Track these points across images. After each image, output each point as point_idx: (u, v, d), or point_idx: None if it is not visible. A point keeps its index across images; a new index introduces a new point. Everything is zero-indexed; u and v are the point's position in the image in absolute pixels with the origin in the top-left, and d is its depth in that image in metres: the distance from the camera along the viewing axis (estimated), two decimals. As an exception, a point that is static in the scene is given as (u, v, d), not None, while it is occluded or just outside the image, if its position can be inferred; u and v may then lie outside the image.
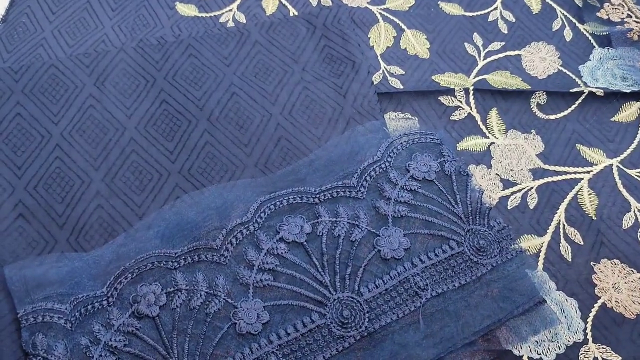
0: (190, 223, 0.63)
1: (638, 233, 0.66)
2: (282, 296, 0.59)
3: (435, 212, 0.65)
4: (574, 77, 0.78)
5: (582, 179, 0.70)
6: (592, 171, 0.71)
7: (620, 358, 0.59)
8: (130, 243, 0.63)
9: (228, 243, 0.62)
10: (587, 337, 0.61)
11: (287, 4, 0.83)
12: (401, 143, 0.69)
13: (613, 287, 0.63)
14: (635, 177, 0.70)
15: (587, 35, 0.83)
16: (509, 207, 0.68)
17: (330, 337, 0.57)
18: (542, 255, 0.65)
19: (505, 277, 0.62)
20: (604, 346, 0.60)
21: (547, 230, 0.67)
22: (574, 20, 0.84)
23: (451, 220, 0.64)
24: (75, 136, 0.71)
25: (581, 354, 0.60)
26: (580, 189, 0.69)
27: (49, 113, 0.72)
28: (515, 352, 0.59)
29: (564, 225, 0.67)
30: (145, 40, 0.78)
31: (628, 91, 0.75)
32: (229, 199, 0.65)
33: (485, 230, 0.64)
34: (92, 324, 0.57)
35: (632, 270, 0.64)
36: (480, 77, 0.78)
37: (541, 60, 0.80)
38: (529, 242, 0.66)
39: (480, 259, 0.62)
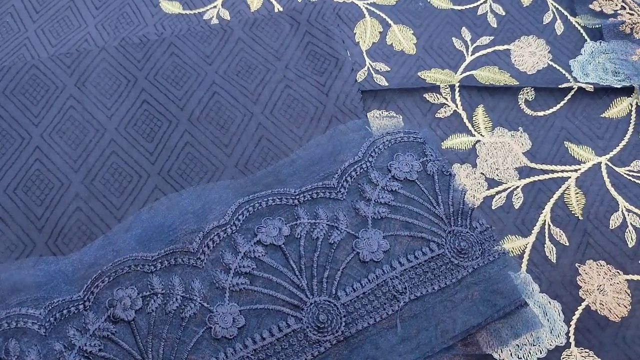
0: (167, 226, 0.63)
1: (625, 233, 0.65)
2: (258, 300, 0.58)
3: (416, 213, 0.63)
4: (564, 72, 0.76)
5: (570, 177, 0.68)
6: (580, 169, 0.69)
7: (602, 362, 0.58)
8: (108, 246, 0.62)
9: (205, 246, 0.61)
10: (570, 340, 0.59)
11: None
12: (383, 142, 0.68)
13: (598, 289, 0.62)
14: (625, 175, 0.68)
15: (579, 28, 0.81)
16: (493, 207, 0.67)
17: (306, 341, 0.57)
18: (526, 256, 0.64)
19: (487, 280, 0.60)
20: (586, 350, 0.59)
21: (532, 231, 0.65)
22: (565, 13, 0.82)
23: (432, 221, 0.63)
24: (55, 138, 0.70)
25: (563, 358, 0.59)
26: (567, 188, 0.68)
27: (30, 114, 0.72)
28: (496, 356, 0.58)
29: (549, 225, 0.66)
30: (127, 39, 0.77)
31: (619, 86, 0.73)
32: (207, 201, 0.64)
33: (467, 232, 0.63)
34: (67, 329, 0.56)
35: (618, 272, 0.63)
36: (468, 73, 0.76)
37: (531, 54, 0.78)
38: (513, 243, 0.64)
39: (461, 261, 0.61)
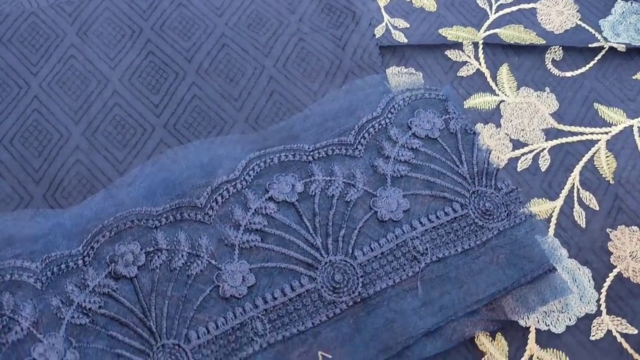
0: (173, 180, 0.59)
1: (659, 198, 0.61)
2: (269, 258, 0.55)
3: (438, 172, 0.60)
4: (593, 31, 0.72)
5: (600, 140, 0.65)
6: (610, 132, 0.65)
7: (636, 331, 0.55)
8: (110, 200, 0.58)
9: (213, 201, 0.57)
10: (601, 308, 0.56)
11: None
12: (403, 99, 0.64)
13: (630, 255, 0.58)
14: (657, 137, 0.65)
15: (609, -13, 0.76)
16: (518, 169, 0.63)
17: (321, 302, 0.53)
18: (553, 220, 0.60)
19: (513, 243, 0.57)
20: (618, 318, 0.55)
21: (560, 194, 0.61)
22: (595, -28, 0.78)
23: (455, 181, 0.59)
24: (55, 88, 0.66)
25: (594, 326, 0.55)
26: (597, 150, 0.64)
27: (28, 63, 0.68)
28: (522, 323, 0.54)
29: (578, 189, 0.62)
30: (132, -12, 0.73)
31: (652, 47, 0.69)
32: (216, 155, 0.60)
33: (492, 193, 0.59)
34: (65, 284, 0.53)
35: (651, 238, 0.59)
36: (492, 32, 0.72)
37: (558, 13, 0.74)
38: (540, 207, 0.61)
39: (486, 222, 0.57)
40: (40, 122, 0.64)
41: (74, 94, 0.66)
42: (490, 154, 0.61)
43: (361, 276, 0.54)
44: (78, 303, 0.52)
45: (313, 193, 0.58)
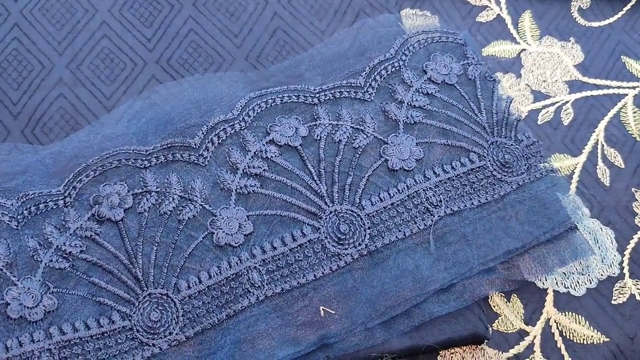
0: (165, 117, 0.54)
1: (689, 158, 0.57)
2: (269, 205, 0.50)
3: (455, 119, 0.55)
4: (623, -20, 0.67)
5: (627, 94, 0.60)
6: (638, 87, 0.60)
7: (661, 296, 0.51)
8: (95, 138, 0.53)
9: (208, 142, 0.52)
10: (624, 271, 0.52)
11: None
12: (419, 41, 0.59)
13: (656, 217, 0.54)
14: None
15: None
16: (539, 122, 0.59)
17: (324, 254, 0.49)
18: (575, 177, 0.56)
19: (533, 199, 0.52)
20: (642, 281, 0.52)
21: (583, 150, 0.57)
22: None
23: (473, 130, 0.55)
24: (37, 15, 0.60)
25: (616, 290, 0.51)
26: (623, 105, 0.59)
27: (8, -13, 0.61)
28: (539, 284, 0.51)
29: (602, 145, 0.57)
30: None
31: (686, -1, 0.64)
32: (213, 92, 0.55)
33: (511, 144, 0.54)
34: (43, 225, 0.48)
35: (680, 199, 0.55)
36: (514, -24, 0.67)
37: (586, -40, 0.69)
38: (562, 162, 0.56)
39: (505, 175, 0.53)
40: (20, 52, 0.59)
41: (58, 22, 0.60)
42: (511, 103, 0.56)
43: (368, 228, 0.50)
44: (57, 246, 0.47)
45: (318, 137, 0.53)
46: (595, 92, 0.60)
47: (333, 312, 0.47)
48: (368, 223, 0.50)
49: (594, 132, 0.58)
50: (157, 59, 0.59)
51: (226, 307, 0.46)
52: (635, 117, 0.59)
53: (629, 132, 0.58)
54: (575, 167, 0.56)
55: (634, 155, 0.57)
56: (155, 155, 0.51)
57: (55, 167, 0.51)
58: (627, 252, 0.53)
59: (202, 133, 0.52)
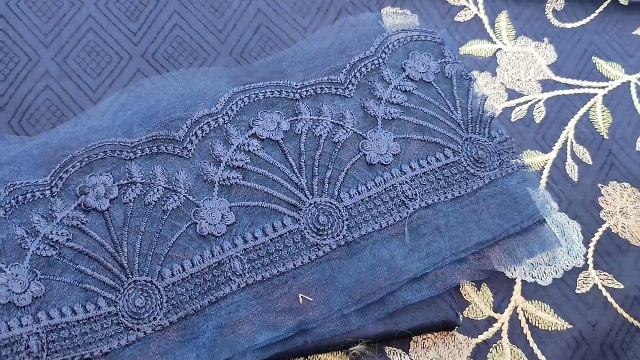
0: (150, 111, 0.55)
1: (652, 155, 0.60)
2: (251, 197, 0.52)
3: (431, 116, 0.57)
4: (596, -18, 0.70)
5: (596, 94, 0.63)
6: (607, 87, 0.63)
7: (622, 286, 0.54)
8: (81, 129, 0.55)
9: (192, 135, 0.54)
10: (588, 262, 0.55)
11: None
12: (398, 39, 0.61)
13: (620, 211, 0.57)
14: (654, 94, 0.63)
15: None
16: (512, 120, 0.61)
17: (303, 244, 0.51)
18: (545, 173, 0.58)
19: (504, 193, 0.55)
20: (605, 273, 0.54)
21: (553, 147, 0.60)
22: None
23: (448, 126, 0.57)
24: (24, 7, 0.61)
25: (580, 280, 0.54)
26: (593, 104, 0.62)
27: (-6, -21, 0.62)
28: (508, 274, 0.53)
29: (572, 142, 0.60)
30: None
31: (655, 3, 0.67)
32: (197, 87, 0.57)
33: (485, 141, 0.57)
34: (30, 214, 0.49)
35: (642, 195, 0.58)
36: (492, -23, 0.69)
37: (561, -37, 0.71)
38: (532, 158, 0.59)
39: (478, 170, 0.55)
40: (7, 44, 0.59)
41: (44, 15, 0.61)
42: (485, 100, 0.59)
43: (346, 219, 0.52)
44: (44, 234, 0.48)
45: (299, 132, 0.55)
46: (566, 92, 0.63)
47: (311, 299, 0.49)
48: (346, 215, 0.52)
49: (564, 129, 0.61)
50: (143, 53, 0.61)
51: (208, 294, 0.48)
52: (603, 116, 0.62)
53: (597, 130, 0.61)
54: (546, 163, 0.59)
55: (601, 152, 0.60)
56: (140, 148, 0.53)
57: (41, 157, 0.52)
58: (591, 245, 0.55)
59: (186, 126, 0.54)
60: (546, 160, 0.59)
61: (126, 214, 0.50)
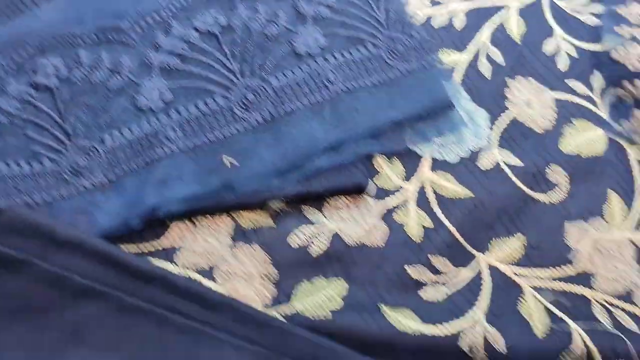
0: (99, 3, 0.60)
1: (558, 58, 0.66)
2: (187, 78, 0.58)
3: (356, 15, 0.63)
4: None
5: (511, 7, 0.69)
6: (524, 1, 0.69)
7: (522, 164, 0.60)
8: (33, 20, 0.60)
9: (137, 26, 0.59)
10: (492, 143, 0.61)
11: None
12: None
13: (525, 102, 0.63)
14: (563, 8, 0.69)
15: None
16: (434, 26, 0.67)
17: (232, 117, 0.56)
18: (460, 70, 0.64)
19: (419, 83, 0.61)
20: (507, 151, 0.60)
21: (470, 49, 0.66)
22: None
23: (372, 24, 0.63)
24: None
25: (483, 158, 0.60)
26: (509, 15, 0.68)
27: None
28: (419, 152, 0.59)
29: (487, 46, 0.66)
30: None
31: None
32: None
33: (405, 38, 0.63)
34: (-15, 90, 0.55)
35: (546, 89, 0.64)
36: None
37: None
38: (450, 57, 0.65)
39: (396, 63, 0.61)
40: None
41: None
42: (407, 4, 0.64)
43: (273, 98, 0.57)
44: (-2, 106, 0.54)
45: (235, 26, 0.61)
46: (487, 3, 0.69)
47: (237, 164, 0.55)
48: (273, 95, 0.58)
49: (481, 35, 0.67)
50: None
51: (144, 157, 0.54)
52: (518, 24, 0.68)
53: (510, 36, 0.67)
54: (461, 62, 0.65)
55: (513, 54, 0.66)
56: (88, 36, 0.59)
57: (-1, 46, 0.58)
58: (497, 129, 0.61)
59: (132, 18, 0.59)
60: (462, 59, 0.65)
61: (73, 90, 0.56)
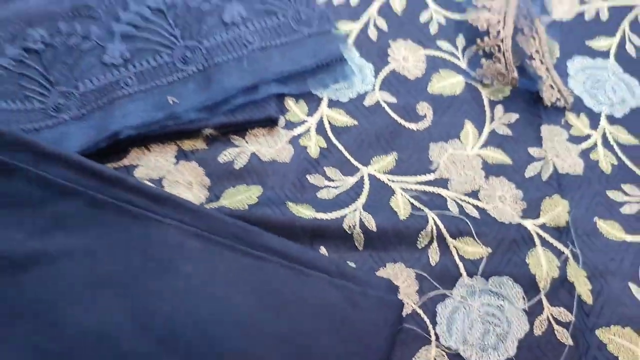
0: (72, -11, 0.80)
1: (430, 24, 0.86)
2: (141, 42, 0.77)
3: (265, -8, 0.83)
4: None
5: (397, -13, 0.89)
6: (406, -17, 0.89)
7: (396, 101, 0.79)
8: (22, 3, 0.79)
9: (103, 4, 0.78)
10: (375, 88, 0.80)
11: None
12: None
13: (403, 58, 0.83)
14: (438, -12, 0.90)
15: None
16: (334, 4, 0.86)
17: (174, 69, 0.75)
18: (353, 35, 0.84)
19: (318, 43, 0.80)
20: (386, 92, 0.80)
21: (361, 19, 0.85)
22: None
23: (284, 0, 0.82)
24: None
25: (367, 98, 0.79)
26: (394, -6, 0.88)
27: None
28: (318, 94, 0.78)
29: (375, 17, 0.86)
30: None
31: None
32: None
33: (308, 10, 0.82)
34: (-14, 50, 0.73)
35: (420, 47, 0.84)
36: None
37: None
38: (345, 26, 0.84)
39: (301, 28, 0.81)
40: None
41: None
42: (311, -14, 0.84)
43: (205, 55, 0.77)
44: (-3, 63, 0.73)
45: (177, 4, 0.80)
46: (376, -15, 0.89)
47: (178, 102, 0.74)
48: (205, 52, 0.77)
49: (370, 9, 0.86)
50: (71, -42, 0.85)
51: (108, 97, 0.73)
52: (400, 2, 0.88)
53: (394, 11, 0.87)
54: (355, 29, 0.84)
55: (395, 23, 0.85)
56: (66, 12, 0.78)
57: (-3, 22, 0.77)
58: (380, 77, 0.81)
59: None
60: (355, 27, 0.85)
61: (54, 52, 0.75)
